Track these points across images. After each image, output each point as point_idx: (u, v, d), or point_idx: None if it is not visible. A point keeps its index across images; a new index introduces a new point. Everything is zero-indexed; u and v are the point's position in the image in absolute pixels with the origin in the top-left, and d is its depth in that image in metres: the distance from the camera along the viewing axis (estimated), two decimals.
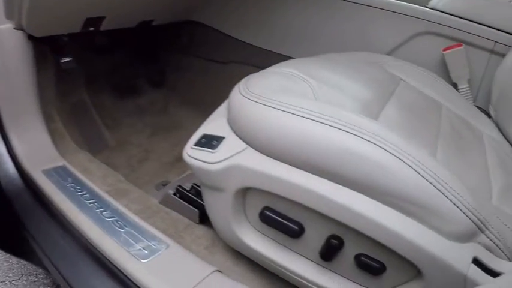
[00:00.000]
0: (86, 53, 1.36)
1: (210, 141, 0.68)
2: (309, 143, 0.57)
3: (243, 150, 0.64)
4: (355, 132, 0.56)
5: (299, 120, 0.59)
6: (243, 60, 1.45)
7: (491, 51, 1.16)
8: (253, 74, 0.79)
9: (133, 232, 0.80)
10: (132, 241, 0.77)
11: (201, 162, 0.67)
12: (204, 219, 0.86)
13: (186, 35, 1.52)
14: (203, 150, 0.67)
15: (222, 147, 0.66)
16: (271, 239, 0.68)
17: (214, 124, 0.73)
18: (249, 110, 0.64)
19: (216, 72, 1.50)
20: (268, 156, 0.61)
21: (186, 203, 0.87)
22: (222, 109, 0.77)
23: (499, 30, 1.14)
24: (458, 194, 0.53)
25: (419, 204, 0.52)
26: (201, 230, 0.85)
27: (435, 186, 0.52)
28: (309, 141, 0.57)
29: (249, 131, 0.64)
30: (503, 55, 1.09)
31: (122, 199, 0.90)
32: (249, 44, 1.44)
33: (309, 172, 0.58)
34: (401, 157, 0.53)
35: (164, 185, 1.07)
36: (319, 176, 0.58)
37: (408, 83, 0.97)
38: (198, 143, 0.69)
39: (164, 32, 1.43)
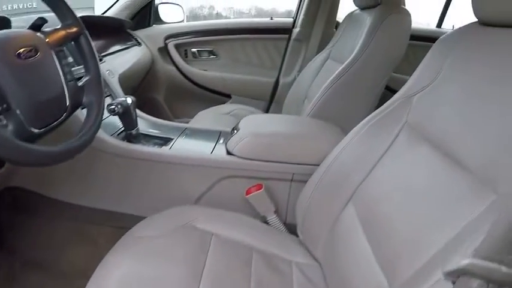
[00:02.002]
0: None
1: None
2: None
3: None
4: None
5: None
6: (70, 218, 1.40)
7: (291, 181, 1.28)
8: None
9: None
10: None
11: None
12: None
13: (10, 196, 1.41)
14: None
15: None
16: None
17: None
18: None
19: (48, 229, 1.43)
20: None
21: None
22: None
23: (295, 163, 1.27)
24: None
25: None
26: None
27: None
28: None
29: None
30: (303, 182, 1.18)
31: None
32: (70, 202, 1.40)
33: None
34: None
35: None
36: None
37: (219, 237, 1.02)
38: None
39: None
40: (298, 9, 2.62)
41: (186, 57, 2.63)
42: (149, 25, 2.64)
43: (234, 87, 2.63)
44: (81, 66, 1.02)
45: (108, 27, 2.15)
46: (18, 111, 0.78)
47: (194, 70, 2.61)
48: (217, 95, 2.65)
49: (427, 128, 0.88)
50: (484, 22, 0.86)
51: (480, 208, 0.62)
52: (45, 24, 0.98)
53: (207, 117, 2.06)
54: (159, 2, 2.70)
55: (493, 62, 0.78)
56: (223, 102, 2.63)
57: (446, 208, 0.69)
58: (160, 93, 2.65)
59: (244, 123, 1.38)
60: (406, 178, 0.86)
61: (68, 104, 0.96)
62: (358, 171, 1.00)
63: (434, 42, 2.66)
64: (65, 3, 0.99)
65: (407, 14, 1.58)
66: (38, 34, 0.92)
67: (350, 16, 1.96)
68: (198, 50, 2.63)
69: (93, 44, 1.06)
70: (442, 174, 0.77)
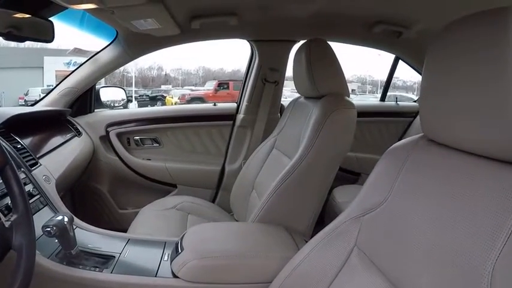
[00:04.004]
0: None
1: None
2: None
3: None
4: None
5: None
6: None
7: None
8: None
9: None
10: None
11: None
12: None
13: None
14: None
15: None
16: None
17: None
18: None
19: None
20: None
21: None
22: None
23: (244, 283, 1.21)
24: None
25: None
26: None
27: None
28: None
29: None
30: None
31: None
32: None
33: None
34: None
35: None
36: None
37: None
38: None
39: None
40: (241, 95, 2.66)
41: (129, 145, 2.57)
42: (90, 111, 2.58)
43: (179, 176, 2.58)
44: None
45: (45, 120, 2.07)
46: None
47: (137, 160, 2.54)
48: (162, 185, 2.58)
49: (377, 254, 0.86)
50: (431, 139, 0.87)
51: None
52: None
53: (151, 215, 1.97)
54: (100, 86, 2.65)
55: (440, 183, 0.78)
56: (169, 192, 2.58)
57: None
58: (104, 184, 2.55)
59: (188, 239, 1.31)
60: None
61: None
62: None
63: (379, 117, 2.78)
64: None
65: (352, 107, 1.57)
66: None
67: (294, 102, 1.97)
68: (140, 138, 2.59)
69: (19, 175, 0.98)
70: None
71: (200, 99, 16.04)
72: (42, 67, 19.35)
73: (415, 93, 13.56)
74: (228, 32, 2.35)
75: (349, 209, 1.01)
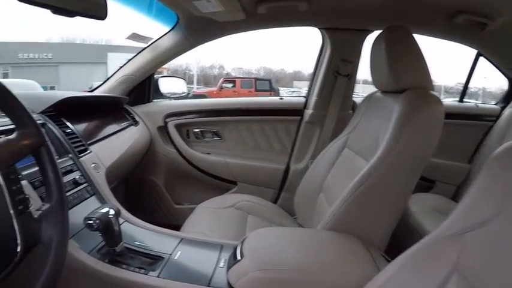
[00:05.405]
0: None
1: None
2: None
3: None
4: None
5: None
6: None
7: None
8: None
9: None
10: None
11: None
12: None
13: None
14: None
15: None
16: None
17: None
18: None
19: None
20: None
21: None
22: None
23: None
24: None
25: None
26: None
27: None
28: None
29: None
30: None
31: None
32: None
33: None
34: None
35: None
36: None
37: None
38: None
39: None
40: (310, 89, 2.45)
41: (188, 137, 2.45)
42: (149, 101, 2.48)
43: (240, 173, 2.42)
44: None
45: (100, 106, 1.97)
46: None
47: (196, 153, 2.41)
48: (222, 181, 2.43)
49: (486, 282, 0.67)
50: None
51: None
52: None
53: (208, 213, 1.83)
54: (159, 76, 2.54)
55: None
56: (228, 189, 2.43)
57: None
58: (160, 176, 2.44)
59: (250, 245, 1.14)
60: None
61: (19, 246, 0.73)
62: None
63: (459, 120, 2.52)
64: (21, 106, 0.78)
65: (439, 103, 1.32)
66: None
67: (369, 98, 1.74)
68: (201, 131, 2.46)
69: (56, 158, 0.84)
70: None
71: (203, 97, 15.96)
72: (106, 63, 20.33)
73: (479, 99, 12.91)
74: (297, 18, 2.17)
75: (444, 225, 0.82)
